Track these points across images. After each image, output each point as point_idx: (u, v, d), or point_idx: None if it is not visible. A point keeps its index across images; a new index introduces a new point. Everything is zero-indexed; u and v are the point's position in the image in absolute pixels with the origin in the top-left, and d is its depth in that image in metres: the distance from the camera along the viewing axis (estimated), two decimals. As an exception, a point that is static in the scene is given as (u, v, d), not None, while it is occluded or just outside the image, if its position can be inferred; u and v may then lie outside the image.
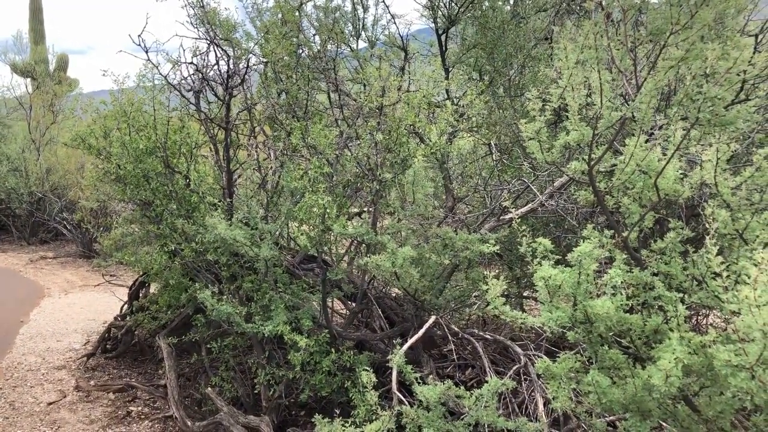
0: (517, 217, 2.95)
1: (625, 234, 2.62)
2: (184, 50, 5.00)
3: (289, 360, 4.41)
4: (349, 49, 5.60)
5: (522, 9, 5.83)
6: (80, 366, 6.81)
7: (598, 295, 2.47)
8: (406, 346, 3.63)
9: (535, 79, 5.18)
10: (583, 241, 2.45)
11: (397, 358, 3.36)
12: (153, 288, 6.92)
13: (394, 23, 5.35)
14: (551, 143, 2.60)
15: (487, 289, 2.67)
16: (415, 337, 3.75)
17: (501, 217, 4.42)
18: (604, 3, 2.77)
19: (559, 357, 2.85)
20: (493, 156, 4.66)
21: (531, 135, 2.59)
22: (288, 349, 4.47)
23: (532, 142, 2.61)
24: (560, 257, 2.61)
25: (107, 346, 7.17)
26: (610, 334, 2.61)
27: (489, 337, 4.27)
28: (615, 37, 2.78)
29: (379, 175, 4.22)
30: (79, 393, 6.00)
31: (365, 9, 5.58)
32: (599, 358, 2.63)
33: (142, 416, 5.43)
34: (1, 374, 6.64)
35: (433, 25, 5.66)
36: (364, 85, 5.50)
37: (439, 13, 5.59)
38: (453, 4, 5.69)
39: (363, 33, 5.74)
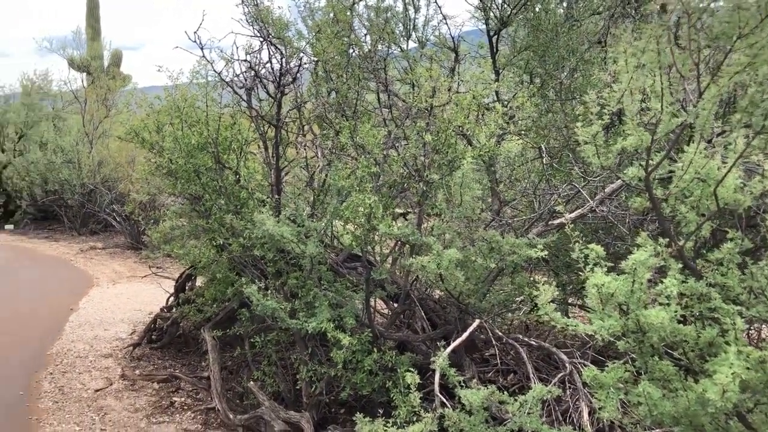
0: (569, 221, 2.90)
1: (681, 243, 2.55)
2: (237, 48, 5.10)
3: (330, 357, 4.43)
4: (399, 50, 5.60)
5: (575, 12, 5.75)
6: (126, 355, 6.97)
7: (651, 305, 2.41)
8: (449, 349, 3.61)
9: (587, 82, 5.10)
10: (637, 249, 2.39)
11: (440, 360, 3.35)
12: (199, 281, 7.04)
13: (446, 24, 5.32)
14: (607, 148, 2.55)
15: (535, 294, 2.64)
16: (459, 340, 3.73)
17: (549, 222, 4.36)
18: (668, 6, 2.70)
19: (606, 366, 2.80)
20: (543, 160, 4.60)
21: (587, 139, 2.54)
22: (330, 346, 4.50)
23: (588, 146, 2.57)
24: (612, 265, 2.56)
25: (153, 336, 7.32)
26: (662, 345, 2.55)
27: (534, 343, 4.21)
28: (675, 41, 2.71)
29: (426, 176, 4.21)
30: (124, 381, 6.14)
31: (416, 9, 5.57)
32: (650, 369, 2.57)
33: (185, 407, 5.53)
34: (52, 359, 6.84)
35: (484, 26, 5.63)
36: (413, 86, 5.49)
37: (491, 14, 5.54)
38: (505, 6, 5.64)
39: (413, 33, 5.74)
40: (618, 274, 2.45)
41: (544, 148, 4.64)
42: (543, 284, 2.55)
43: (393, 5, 5.53)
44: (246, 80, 4.79)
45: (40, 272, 12.06)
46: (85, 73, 22.34)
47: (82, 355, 7.03)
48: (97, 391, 5.91)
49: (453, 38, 5.31)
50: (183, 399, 5.70)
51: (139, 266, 12.57)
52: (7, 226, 17.82)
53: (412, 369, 4.34)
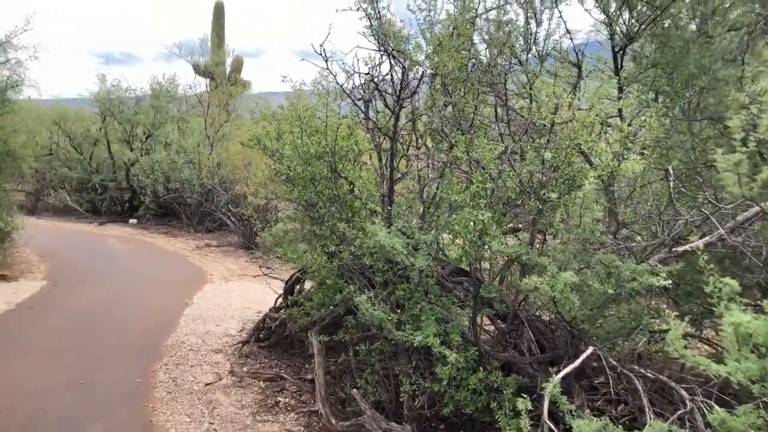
0: (699, 249, 2.72)
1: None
2: (358, 60, 5.19)
3: (434, 372, 4.40)
4: (518, 63, 5.51)
5: (709, 27, 5.43)
6: (235, 351, 7.24)
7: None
8: (560, 375, 3.48)
9: (720, 103, 4.80)
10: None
11: (551, 387, 3.24)
12: (308, 284, 7.22)
13: (570, 39, 5.18)
14: (751, 177, 2.37)
15: (657, 325, 2.50)
16: (571, 367, 3.60)
17: (673, 249, 4.13)
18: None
19: (734, 408, 2.61)
20: (670, 183, 4.36)
21: (728, 167, 2.38)
22: (434, 360, 4.47)
23: (728, 174, 2.40)
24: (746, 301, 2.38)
25: (261, 335, 7.57)
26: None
27: (651, 375, 3.99)
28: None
29: (543, 194, 4.10)
30: (232, 377, 6.38)
31: (539, 23, 5.46)
32: (788, 418, 2.37)
33: (289, 408, 5.67)
34: (167, 351, 7.22)
35: (603, 38, 5.45)
36: (531, 100, 5.39)
37: (617, 29, 5.34)
38: (632, 21, 5.42)
39: (533, 47, 5.62)
40: (757, 312, 2.28)
41: (671, 171, 4.40)
42: (672, 318, 2.40)
43: (514, 19, 5.43)
44: (365, 92, 4.87)
45: (158, 266, 12.80)
46: (209, 79, 23.57)
47: (194, 348, 7.38)
48: (207, 384, 6.18)
49: (576, 53, 5.15)
50: (287, 400, 5.84)
51: (250, 265, 13.06)
52: (131, 220, 19.05)
53: (518, 391, 4.25)
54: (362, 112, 4.96)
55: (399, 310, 4.67)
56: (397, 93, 4.66)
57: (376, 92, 4.90)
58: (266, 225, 13.50)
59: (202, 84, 22.59)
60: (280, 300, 7.66)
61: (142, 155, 18.93)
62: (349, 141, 5.12)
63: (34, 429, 5.09)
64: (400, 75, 4.67)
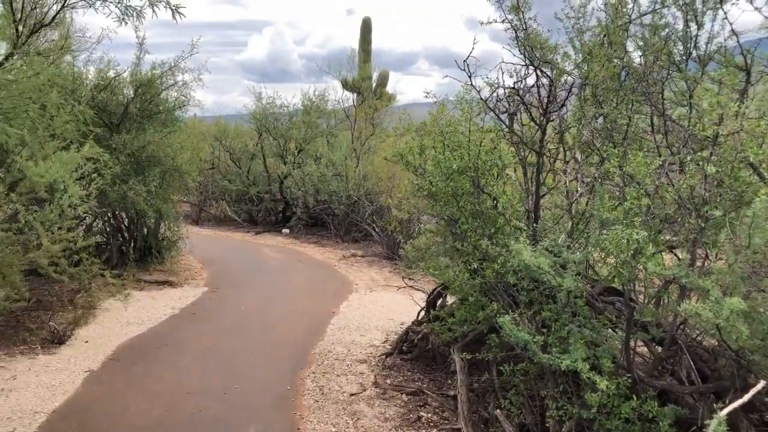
0: None
1: None
2: (502, 72, 5.10)
3: (582, 396, 4.19)
4: (676, 70, 5.14)
5: None
6: (379, 363, 7.35)
7: None
8: (727, 410, 3.17)
9: None
10: None
11: (716, 424, 2.95)
12: (450, 298, 7.18)
13: (737, 42, 4.75)
14: None
15: None
16: (740, 401, 3.25)
17: None
18: None
19: None
20: None
21: None
22: (582, 384, 4.26)
23: None
24: None
25: (403, 347, 7.63)
26: None
27: (836, 417, 3.54)
28: None
29: (706, 211, 3.78)
30: (376, 389, 6.47)
31: (699, 25, 5.06)
32: None
33: (431, 424, 5.64)
34: (315, 359, 7.47)
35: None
36: (690, 109, 5.00)
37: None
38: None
39: (694, 52, 5.22)
40: None
41: None
42: None
43: (672, 22, 5.08)
44: (510, 105, 4.77)
45: (308, 275, 13.32)
46: (356, 93, 24.34)
47: (340, 357, 7.58)
48: (352, 395, 6.31)
49: (744, 56, 4.71)
50: (429, 415, 5.82)
51: (393, 276, 13.25)
52: (284, 230, 20.03)
53: (675, 423, 3.94)
54: (506, 126, 4.85)
55: (545, 330, 4.50)
56: (544, 106, 4.51)
57: (520, 105, 4.77)
58: (409, 237, 13.69)
59: (349, 99, 23.36)
60: (423, 313, 7.70)
61: (294, 168, 19.87)
62: (493, 155, 5.03)
63: (193, 430, 5.45)
64: (547, 87, 4.52)
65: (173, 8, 5.09)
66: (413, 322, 7.73)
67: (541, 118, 4.58)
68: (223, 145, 21.84)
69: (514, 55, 5.00)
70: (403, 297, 10.66)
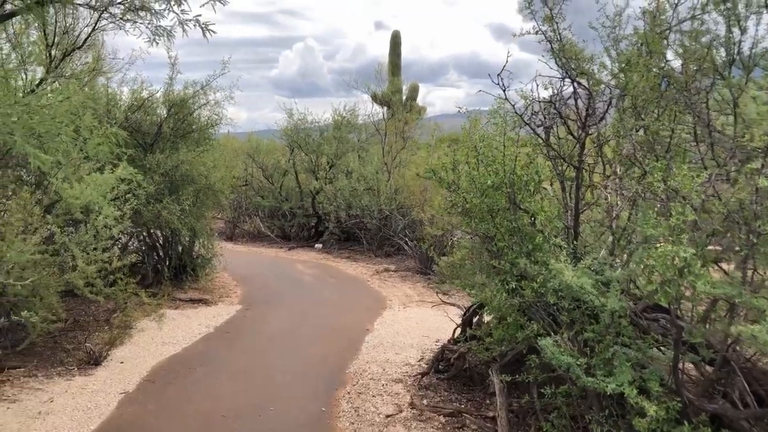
0: None
1: None
2: (537, 85, 4.96)
3: (629, 419, 4.00)
4: (719, 78, 4.94)
5: None
6: (415, 383, 7.20)
7: None
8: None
9: None
10: None
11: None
12: (486, 316, 7.02)
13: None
14: None
15: None
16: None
17: None
18: None
19: None
20: None
21: None
22: (628, 408, 4.07)
23: None
24: None
25: (439, 366, 7.47)
26: None
27: None
28: None
29: (758, 226, 3.58)
30: (413, 410, 6.33)
31: (743, 31, 4.86)
32: None
33: (470, 447, 5.48)
34: (350, 379, 7.36)
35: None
36: (735, 118, 4.79)
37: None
38: None
39: (737, 58, 5.02)
40: None
41: None
42: None
43: (713, 28, 4.89)
44: (545, 119, 4.62)
45: (340, 290, 13.24)
46: (386, 107, 24.31)
47: (375, 377, 7.45)
48: (388, 416, 6.18)
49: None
50: (468, 438, 5.66)
51: (427, 291, 13.09)
52: (316, 245, 20.03)
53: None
54: (542, 140, 4.70)
55: (589, 352, 4.32)
56: (583, 120, 4.35)
57: (557, 118, 4.62)
58: (442, 252, 13.53)
59: (380, 112, 23.32)
60: (458, 331, 7.54)
61: (326, 184, 19.89)
62: (529, 170, 4.88)
63: (228, 453, 5.38)
64: (585, 99, 4.36)
65: (203, 26, 5.06)
66: (449, 341, 7.58)
67: (580, 132, 4.43)
68: (255, 161, 21.98)
69: (550, 67, 4.88)
70: (438, 313, 10.50)
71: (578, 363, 3.89)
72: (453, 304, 8.99)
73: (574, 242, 4.55)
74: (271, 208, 21.83)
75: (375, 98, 24.71)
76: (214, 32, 5.49)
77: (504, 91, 4.51)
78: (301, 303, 11.70)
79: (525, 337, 4.95)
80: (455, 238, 12.92)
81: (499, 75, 4.41)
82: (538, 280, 4.39)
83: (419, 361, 8.18)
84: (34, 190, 8.21)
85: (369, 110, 25.16)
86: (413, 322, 10.39)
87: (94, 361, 7.77)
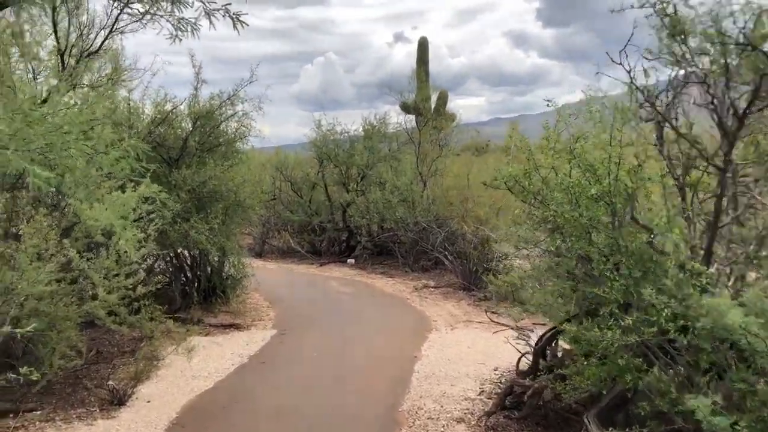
0: None
1: None
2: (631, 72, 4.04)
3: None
4: None
5: None
6: (480, 422, 6.27)
7: None
8: None
9: None
10: None
11: None
12: (562, 342, 6.09)
13: None
14: None
15: None
16: None
17: None
18: None
19: None
20: None
21: None
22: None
23: None
24: None
25: (506, 402, 6.53)
26: None
27: None
28: None
29: None
30: (485, 460, 5.41)
31: None
32: None
33: None
34: (404, 419, 6.46)
35: None
36: None
37: None
38: None
39: None
40: None
41: None
42: None
43: None
44: (672, 105, 3.69)
45: (380, 311, 12.35)
46: (416, 115, 23.45)
47: (433, 416, 6.54)
48: (457, 469, 5.26)
49: None
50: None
51: (473, 309, 12.14)
52: (349, 260, 19.18)
53: None
54: (678, 134, 3.76)
55: (736, 404, 3.37)
56: (744, 107, 3.40)
57: (674, 110, 3.70)
58: (488, 267, 12.60)
59: (411, 121, 22.47)
60: (525, 359, 6.61)
61: (357, 196, 19.06)
62: (637, 176, 3.95)
63: None
64: (755, 80, 3.40)
65: (233, 16, 4.25)
66: (516, 373, 6.64)
67: (730, 124, 3.48)
68: (283, 175, 21.23)
69: (651, 53, 3.95)
70: (488, 333, 9.58)
71: (738, 426, 2.95)
72: (504, 325, 8.06)
73: (708, 268, 3.61)
74: (301, 222, 21.03)
75: (405, 107, 23.88)
76: (246, 24, 4.68)
77: (629, 73, 3.59)
78: (339, 326, 10.82)
79: (635, 380, 4.00)
80: (505, 253, 11.96)
81: (623, 51, 3.49)
82: (663, 315, 3.46)
83: (479, 394, 7.25)
84: (51, 211, 7.48)
85: (401, 119, 24.24)
86: (464, 347, 9.44)
87: (118, 400, 6.96)
